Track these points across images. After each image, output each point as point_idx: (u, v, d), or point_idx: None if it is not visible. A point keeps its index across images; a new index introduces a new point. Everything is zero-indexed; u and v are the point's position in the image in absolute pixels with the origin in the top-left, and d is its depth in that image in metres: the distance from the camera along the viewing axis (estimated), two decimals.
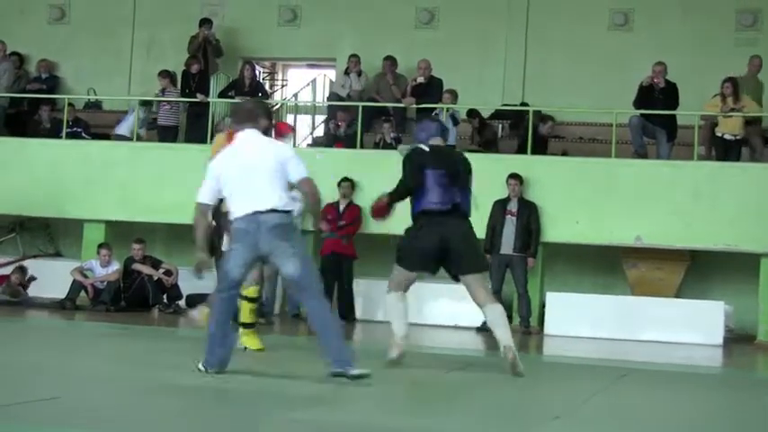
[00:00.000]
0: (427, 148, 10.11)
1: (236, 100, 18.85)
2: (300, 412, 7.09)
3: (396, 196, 10.20)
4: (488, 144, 18.18)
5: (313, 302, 8.58)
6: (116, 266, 17.05)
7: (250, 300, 10.88)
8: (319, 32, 20.73)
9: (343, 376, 8.26)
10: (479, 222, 16.25)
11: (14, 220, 19.11)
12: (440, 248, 9.88)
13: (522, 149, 17.43)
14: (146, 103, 19.31)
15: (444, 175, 9.96)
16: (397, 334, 10.03)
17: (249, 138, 8.76)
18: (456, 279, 10.08)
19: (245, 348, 10.57)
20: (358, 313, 17.02)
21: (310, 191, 8.77)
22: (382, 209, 10.23)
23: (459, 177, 10.06)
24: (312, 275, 8.67)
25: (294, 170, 8.67)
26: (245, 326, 10.82)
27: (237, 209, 8.60)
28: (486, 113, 18.97)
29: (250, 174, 8.56)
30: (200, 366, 8.56)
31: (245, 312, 10.84)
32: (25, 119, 19.63)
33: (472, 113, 18.61)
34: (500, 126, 19.39)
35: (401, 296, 10.18)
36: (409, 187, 10.01)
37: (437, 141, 10.22)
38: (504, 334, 9.82)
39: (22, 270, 17.28)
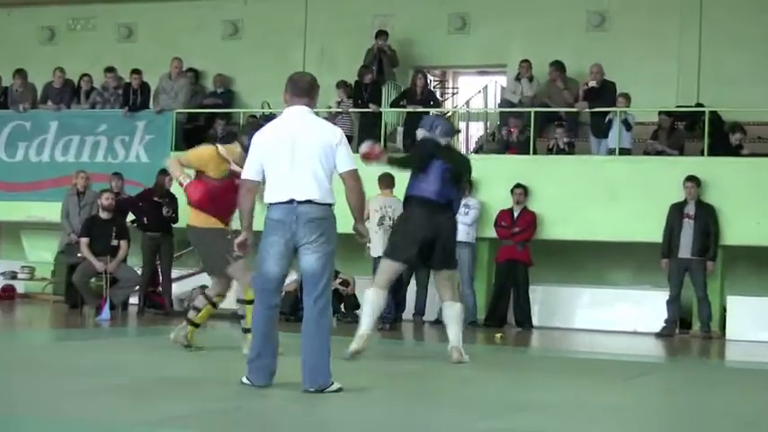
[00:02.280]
0: (443, 142, 10.64)
1: (408, 109, 18.98)
2: (487, 422, 7.09)
3: (395, 160, 10.99)
4: (675, 146, 17.80)
5: (312, 308, 8.01)
6: (294, 276, 17.23)
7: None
8: (489, 39, 20.66)
9: (317, 391, 7.69)
10: (657, 227, 16.12)
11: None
12: (430, 241, 10.33)
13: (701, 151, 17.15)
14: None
15: (449, 170, 10.44)
16: (364, 329, 10.34)
17: (299, 114, 7.83)
18: (424, 269, 11.53)
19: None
20: (534, 320, 16.92)
21: (354, 186, 7.90)
22: (377, 156, 10.37)
23: (461, 179, 10.67)
24: (327, 279, 8.08)
25: (343, 159, 7.80)
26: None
27: (273, 194, 7.76)
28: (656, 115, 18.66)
29: (292, 155, 7.70)
30: (245, 380, 7.92)
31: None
32: (202, 133, 20.03)
33: (664, 114, 18.30)
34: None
35: (384, 294, 10.53)
36: (413, 167, 10.58)
37: (448, 141, 10.86)
38: (455, 334, 10.46)
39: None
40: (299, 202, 7.65)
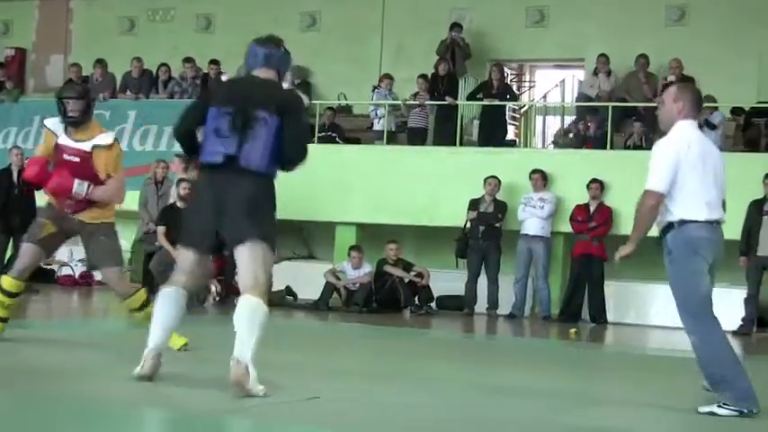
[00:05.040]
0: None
1: (485, 102, 18.94)
2: (567, 415, 7.08)
3: None
4: (751, 143, 17.59)
5: None
6: (368, 269, 17.31)
7: None
8: (567, 33, 20.57)
9: None
10: (735, 224, 15.94)
11: None
12: None
13: None
14: (395, 107, 19.61)
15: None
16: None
17: (695, 129, 7.58)
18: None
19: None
20: (609, 316, 16.82)
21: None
22: None
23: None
24: None
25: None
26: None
27: (696, 211, 7.38)
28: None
29: (713, 174, 7.45)
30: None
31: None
32: None
33: (737, 111, 18.12)
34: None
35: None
36: None
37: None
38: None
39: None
40: (721, 223, 7.48)
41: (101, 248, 9.29)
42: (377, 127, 19.69)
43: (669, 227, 7.37)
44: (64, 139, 9.30)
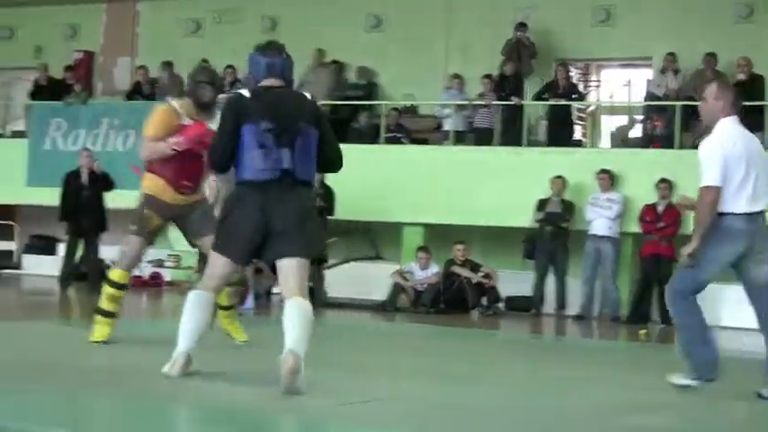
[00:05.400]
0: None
1: (551, 102, 18.86)
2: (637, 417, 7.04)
3: None
4: None
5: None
6: (435, 269, 17.32)
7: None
8: (634, 31, 20.40)
9: None
10: None
11: (337, 224, 19.65)
12: None
13: None
14: (461, 107, 19.59)
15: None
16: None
17: (738, 126, 8.11)
18: None
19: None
20: None
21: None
22: None
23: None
24: None
25: None
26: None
27: (735, 204, 7.86)
28: None
29: (755, 167, 7.92)
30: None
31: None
32: (344, 125, 20.16)
33: None
34: None
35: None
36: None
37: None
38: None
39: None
40: (761, 213, 7.98)
41: (206, 217, 9.43)
42: (447, 127, 19.67)
43: None
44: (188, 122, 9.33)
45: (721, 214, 7.80)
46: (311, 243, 7.40)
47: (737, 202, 7.81)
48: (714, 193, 7.75)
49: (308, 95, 7.63)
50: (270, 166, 7.25)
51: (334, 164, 7.66)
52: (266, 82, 7.52)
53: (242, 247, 7.41)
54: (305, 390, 6.94)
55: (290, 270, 7.30)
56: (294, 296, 7.23)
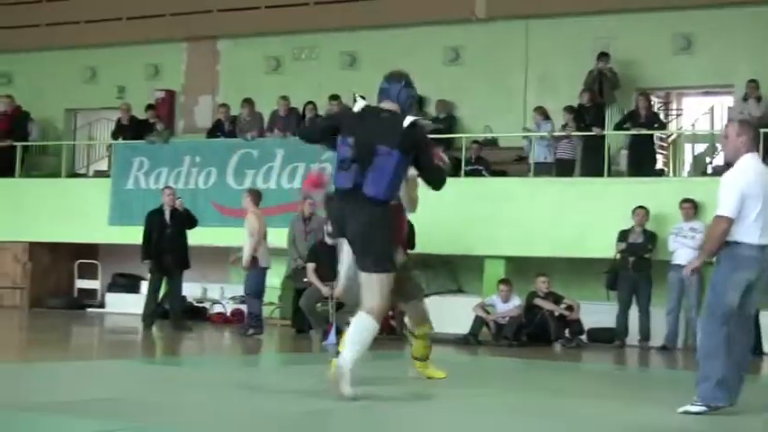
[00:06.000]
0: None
1: (632, 132, 18.73)
2: None
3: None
4: None
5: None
6: (517, 302, 17.22)
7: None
8: (715, 59, 20.22)
9: None
10: None
11: (418, 258, 19.61)
12: None
13: None
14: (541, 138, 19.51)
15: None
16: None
17: (758, 163, 8.57)
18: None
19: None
20: (765, 346, 16.41)
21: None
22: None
23: None
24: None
25: None
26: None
27: (750, 235, 8.33)
28: None
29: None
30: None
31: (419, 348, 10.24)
32: None
33: None
34: None
35: None
36: None
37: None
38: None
39: None
40: None
41: None
42: (528, 159, 19.58)
43: (725, 244, 8.34)
44: None
45: (737, 243, 8.28)
46: (373, 260, 8.17)
47: (753, 233, 8.27)
48: (726, 223, 8.26)
49: (411, 120, 8.28)
50: (340, 181, 8.28)
51: (433, 185, 8.66)
52: (382, 104, 8.56)
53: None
54: (349, 393, 7.81)
55: (362, 284, 8.25)
56: (362, 311, 8.14)
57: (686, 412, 8.27)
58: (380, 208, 8.21)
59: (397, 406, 8.12)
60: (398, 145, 8.18)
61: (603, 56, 19.95)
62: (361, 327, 8.07)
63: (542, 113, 19.66)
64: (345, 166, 8.21)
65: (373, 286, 8.13)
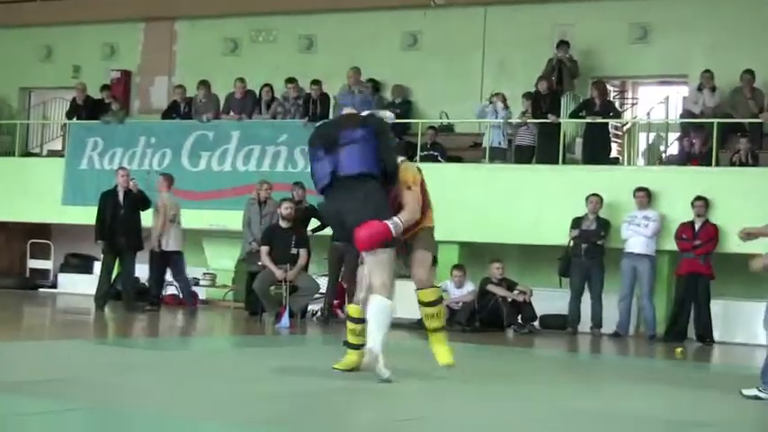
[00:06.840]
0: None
1: (587, 120, 18.81)
2: None
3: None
4: None
5: None
6: (471, 287, 17.26)
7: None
8: (670, 49, 20.33)
9: None
10: None
11: None
12: None
13: None
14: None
15: None
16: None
17: None
18: None
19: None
20: (716, 335, 16.58)
21: None
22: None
23: None
24: None
25: None
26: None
27: None
28: None
29: None
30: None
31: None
32: None
33: None
34: None
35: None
36: None
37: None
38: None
39: None
40: None
41: None
42: (483, 144, 19.60)
43: None
44: None
45: None
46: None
47: None
48: None
49: (368, 112, 9.15)
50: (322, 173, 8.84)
51: (389, 175, 9.07)
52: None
53: None
54: (384, 374, 8.30)
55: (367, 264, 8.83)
56: (372, 293, 8.58)
57: (756, 397, 8.50)
58: (371, 183, 8.77)
59: (350, 393, 8.12)
60: (360, 124, 8.85)
61: (563, 44, 20.01)
62: (377, 310, 8.46)
63: (502, 100, 19.67)
64: (320, 157, 8.82)
65: (378, 264, 8.61)
